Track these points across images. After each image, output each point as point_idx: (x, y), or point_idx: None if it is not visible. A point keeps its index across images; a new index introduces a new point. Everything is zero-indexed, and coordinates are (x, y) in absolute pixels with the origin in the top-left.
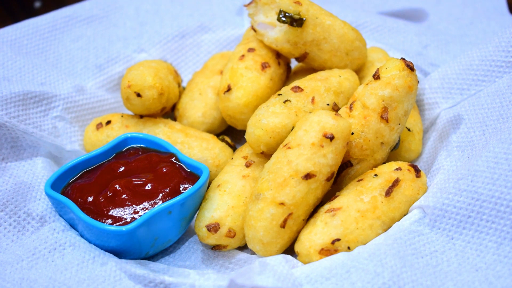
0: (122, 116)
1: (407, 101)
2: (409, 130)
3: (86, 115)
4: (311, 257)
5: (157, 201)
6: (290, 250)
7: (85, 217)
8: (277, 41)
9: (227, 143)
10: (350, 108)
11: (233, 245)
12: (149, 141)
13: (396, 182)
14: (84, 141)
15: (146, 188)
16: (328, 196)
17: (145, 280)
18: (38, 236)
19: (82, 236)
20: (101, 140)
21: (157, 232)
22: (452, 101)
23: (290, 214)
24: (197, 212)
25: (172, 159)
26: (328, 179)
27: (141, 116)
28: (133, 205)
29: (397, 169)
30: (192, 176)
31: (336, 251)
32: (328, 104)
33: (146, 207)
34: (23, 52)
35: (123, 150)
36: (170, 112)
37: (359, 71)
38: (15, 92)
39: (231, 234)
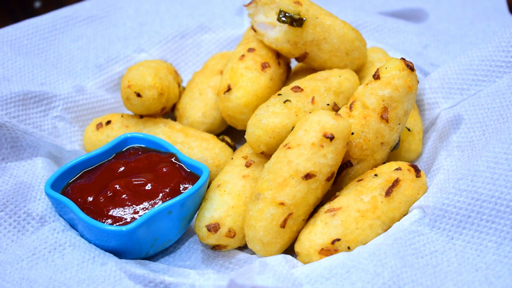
0: (122, 116)
1: (407, 101)
2: (409, 130)
3: (86, 115)
4: (311, 257)
5: (157, 201)
6: (290, 250)
7: (85, 217)
8: (277, 41)
9: (227, 143)
10: (350, 108)
11: (233, 245)
12: (149, 141)
13: (396, 182)
14: (84, 141)
15: (146, 188)
16: (328, 196)
17: (145, 280)
18: (38, 236)
19: (82, 236)
20: (101, 140)
21: (157, 232)
22: (452, 101)
23: (290, 214)
24: (197, 212)
25: (172, 159)
26: (328, 179)
27: (141, 116)
28: (133, 205)
29: (397, 169)
30: (192, 176)
31: (336, 251)
32: (328, 104)
33: (146, 207)
34: (23, 52)
35: (123, 150)
36: (170, 112)
37: (359, 71)
38: (15, 92)
39: (231, 234)
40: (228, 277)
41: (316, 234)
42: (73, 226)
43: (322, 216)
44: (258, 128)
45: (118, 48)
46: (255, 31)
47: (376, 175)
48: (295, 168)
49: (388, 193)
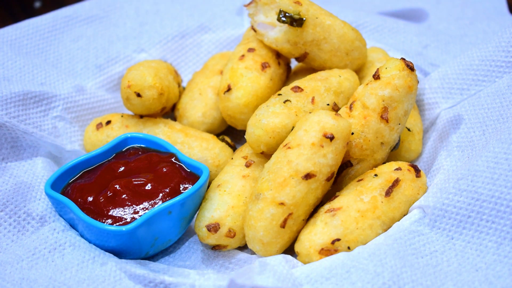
0: (122, 116)
1: (407, 101)
2: (409, 130)
3: (86, 115)
4: (311, 257)
5: (157, 201)
6: (290, 250)
7: (85, 217)
8: (277, 41)
9: (227, 143)
10: (350, 108)
11: (233, 245)
12: (149, 141)
13: (396, 182)
14: (84, 141)
15: (146, 188)
16: (328, 196)
17: (145, 280)
18: (38, 236)
19: (82, 236)
20: (101, 140)
21: (157, 232)
22: (452, 101)
23: (290, 214)
24: (197, 212)
25: (172, 159)
26: (328, 179)
27: (141, 116)
28: (133, 205)
29: (397, 169)
30: (192, 176)
31: (336, 251)
32: (328, 104)
33: (146, 207)
34: (23, 52)
35: (123, 150)
36: (170, 112)
37: (359, 71)
38: (15, 92)
39: (231, 234)
40: (228, 277)
41: (316, 234)
42: (73, 226)
43: (322, 216)
44: (258, 128)
45: (118, 48)
46: (255, 31)
47: (376, 175)
48: (295, 168)
49: (388, 193)
